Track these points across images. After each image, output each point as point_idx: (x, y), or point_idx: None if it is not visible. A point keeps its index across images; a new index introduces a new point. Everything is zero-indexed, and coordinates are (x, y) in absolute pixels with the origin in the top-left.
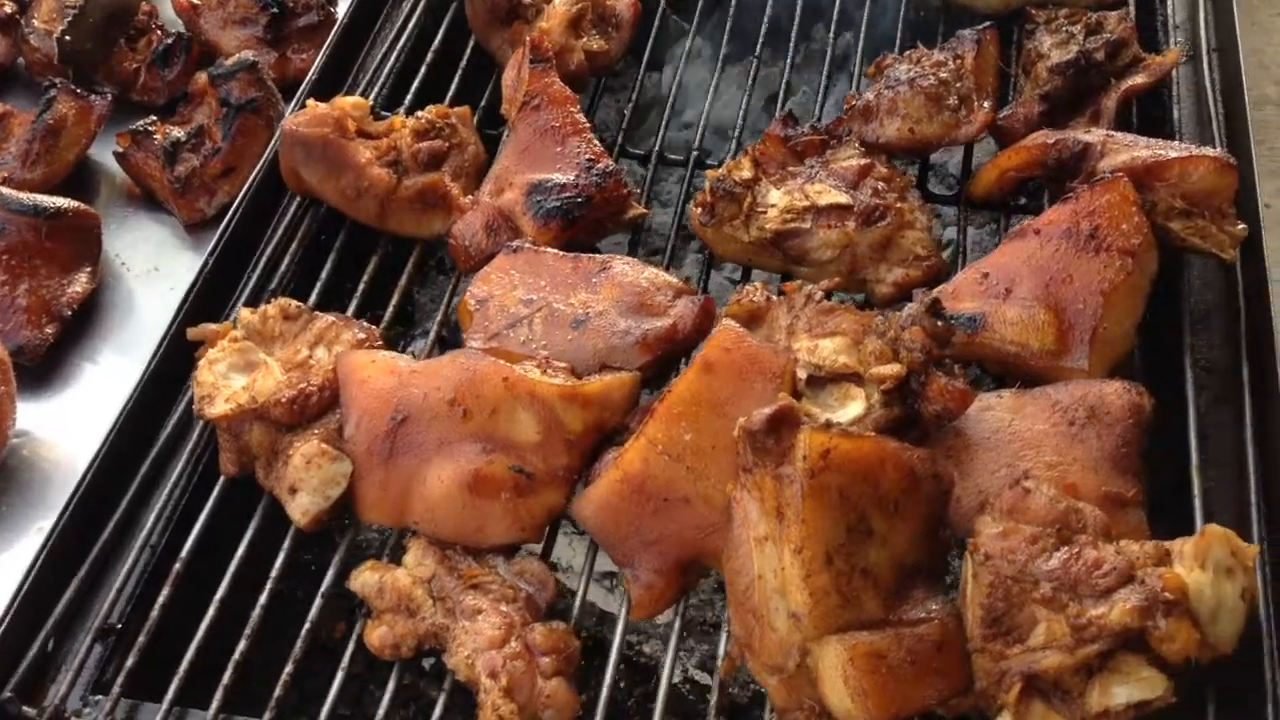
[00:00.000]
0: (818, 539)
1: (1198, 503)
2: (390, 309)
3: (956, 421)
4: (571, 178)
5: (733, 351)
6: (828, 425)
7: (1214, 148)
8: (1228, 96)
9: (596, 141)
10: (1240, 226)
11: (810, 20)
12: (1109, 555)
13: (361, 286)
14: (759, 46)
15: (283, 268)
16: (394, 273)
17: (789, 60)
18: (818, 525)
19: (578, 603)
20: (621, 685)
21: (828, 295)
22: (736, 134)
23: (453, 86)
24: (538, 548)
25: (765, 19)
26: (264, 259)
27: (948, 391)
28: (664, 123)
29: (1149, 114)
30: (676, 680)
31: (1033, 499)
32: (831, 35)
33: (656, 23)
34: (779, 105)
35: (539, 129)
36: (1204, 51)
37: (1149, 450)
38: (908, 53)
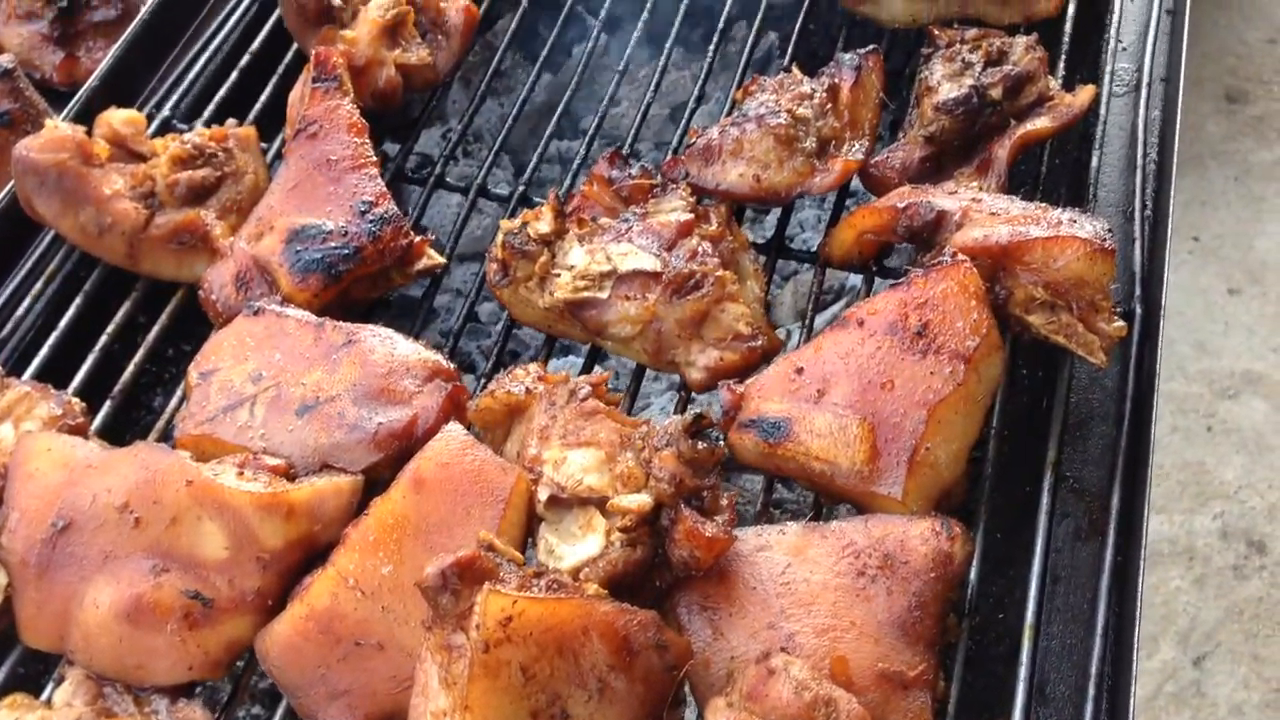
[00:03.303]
0: None
1: (1022, 673)
2: (129, 371)
3: (724, 562)
4: (341, 224)
5: (450, 466)
6: (538, 575)
7: (1098, 221)
8: (1165, 139)
9: (379, 179)
10: (1117, 324)
11: (737, 14)
12: None
13: (102, 341)
14: (668, 47)
15: (21, 311)
16: (148, 326)
17: (708, 61)
18: (487, 712)
19: None
20: None
21: (637, 384)
22: (576, 165)
23: (262, 98)
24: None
25: (680, 13)
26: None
27: (694, 536)
28: (496, 148)
29: (1072, 157)
30: None
31: (775, 684)
32: (751, 37)
33: (563, 14)
34: (686, 114)
35: (314, 161)
36: (1144, 83)
37: (998, 592)
38: (778, 77)
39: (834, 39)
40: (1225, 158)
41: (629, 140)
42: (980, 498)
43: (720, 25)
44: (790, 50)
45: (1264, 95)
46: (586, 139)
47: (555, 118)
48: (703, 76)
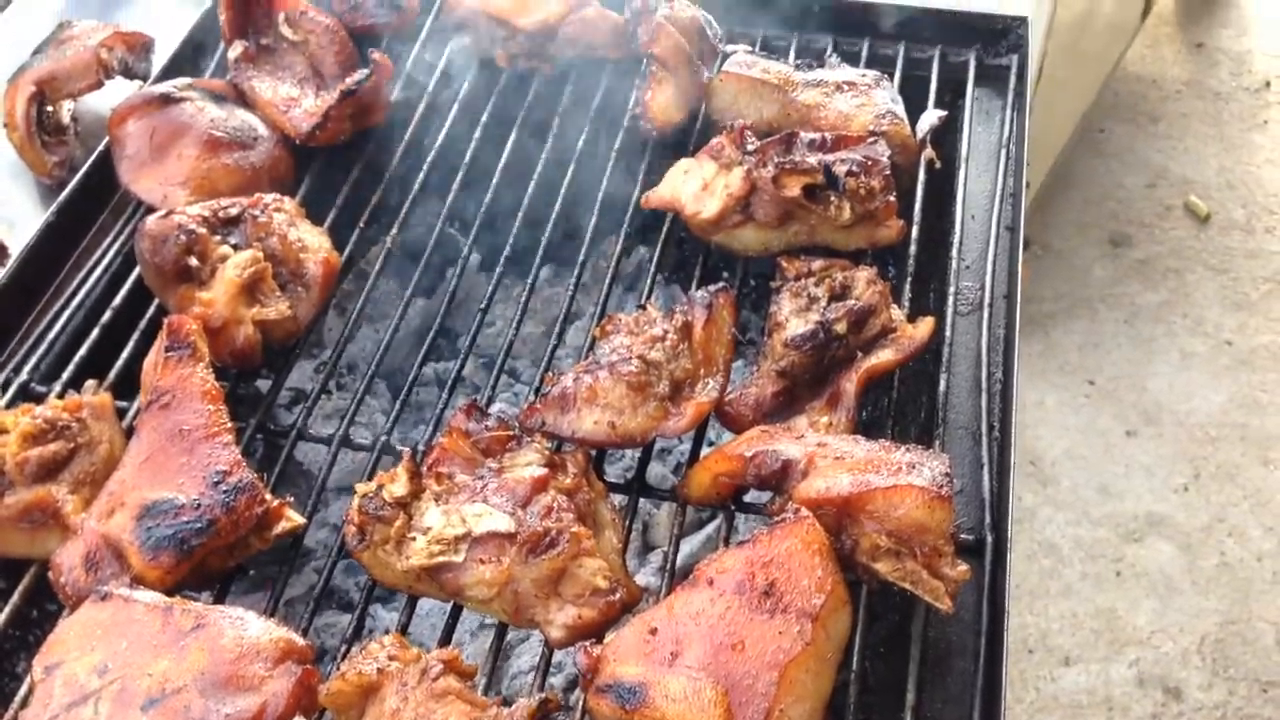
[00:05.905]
0: None
1: None
2: None
3: None
4: (194, 497)
5: None
6: None
7: (939, 462)
8: (1008, 357)
9: (233, 447)
10: (960, 569)
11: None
12: None
13: None
14: (535, 268)
15: None
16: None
17: (574, 278)
18: None
19: None
20: None
21: (500, 639)
22: (438, 411)
23: (124, 356)
24: None
25: (547, 231)
26: None
27: None
28: (369, 377)
29: (927, 374)
30: None
31: None
32: (616, 252)
33: (434, 238)
34: (553, 334)
35: (167, 433)
36: (986, 301)
37: None
38: (634, 314)
39: (694, 257)
40: (1114, 301)
41: (501, 359)
42: None
43: (587, 241)
44: (651, 275)
45: (1146, 239)
46: (460, 361)
47: (429, 341)
48: (570, 294)
